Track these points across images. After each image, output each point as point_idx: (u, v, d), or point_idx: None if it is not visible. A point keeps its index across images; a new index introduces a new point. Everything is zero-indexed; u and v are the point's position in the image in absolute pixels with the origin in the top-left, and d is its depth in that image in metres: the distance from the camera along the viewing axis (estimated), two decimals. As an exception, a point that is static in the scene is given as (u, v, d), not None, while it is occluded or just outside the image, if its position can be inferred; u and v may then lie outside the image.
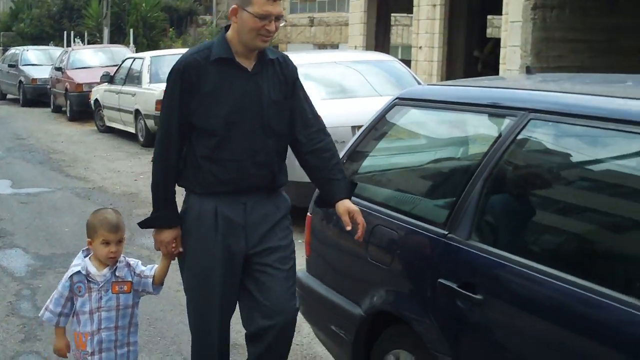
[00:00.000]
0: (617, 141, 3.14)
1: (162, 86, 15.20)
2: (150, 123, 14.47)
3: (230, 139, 3.62)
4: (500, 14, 13.69)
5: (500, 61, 13.66)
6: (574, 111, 3.21)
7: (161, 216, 3.77)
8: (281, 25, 3.65)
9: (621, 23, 11.89)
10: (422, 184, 4.14)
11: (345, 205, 3.67)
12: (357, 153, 4.39)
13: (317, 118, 3.85)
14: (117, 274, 3.71)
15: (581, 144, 3.43)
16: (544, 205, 3.48)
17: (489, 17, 21.18)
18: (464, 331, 3.32)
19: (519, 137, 3.37)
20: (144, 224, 3.86)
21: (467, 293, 3.20)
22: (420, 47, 17.61)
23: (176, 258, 3.88)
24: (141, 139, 15.25)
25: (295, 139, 3.79)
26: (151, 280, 3.82)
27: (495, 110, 3.62)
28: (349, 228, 3.63)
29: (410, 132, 4.47)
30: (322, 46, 27.18)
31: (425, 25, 17.07)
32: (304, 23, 26.34)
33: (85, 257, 3.75)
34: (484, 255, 3.24)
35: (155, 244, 3.85)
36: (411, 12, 18.21)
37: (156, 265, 3.87)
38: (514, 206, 3.49)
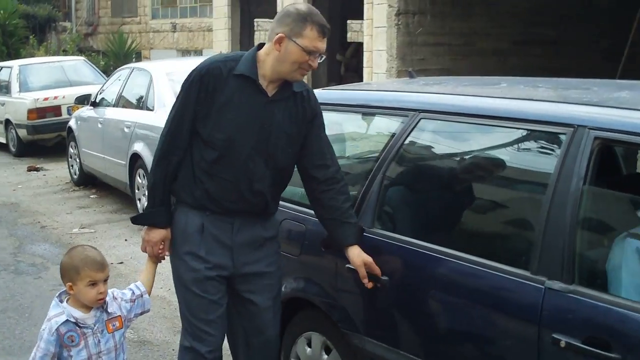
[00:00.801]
0: (495, 134, 3.64)
1: (33, 95, 14.97)
2: (22, 132, 14.34)
3: (230, 158, 3.54)
4: (359, 19, 14.14)
5: (365, 64, 14.15)
6: (458, 110, 3.66)
7: (156, 213, 3.64)
8: (320, 61, 3.56)
9: (477, 27, 12.62)
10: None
11: (361, 257, 3.56)
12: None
13: (335, 159, 3.74)
14: (109, 310, 3.42)
15: (464, 138, 3.90)
16: (435, 194, 3.95)
17: (348, 21, 21.79)
18: (370, 309, 3.72)
19: (412, 134, 3.80)
20: (136, 220, 3.82)
21: (374, 274, 3.59)
22: (286, 53, 18.05)
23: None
24: (13, 149, 15.05)
25: (311, 176, 3.70)
26: (147, 295, 3.59)
27: (390, 111, 4.04)
28: (366, 282, 3.55)
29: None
30: (185, 52, 27.15)
31: (289, 31, 17.48)
32: (167, 29, 26.28)
33: (61, 302, 3.37)
34: (386, 240, 3.66)
35: (143, 244, 3.71)
36: (273, 18, 18.56)
37: (138, 282, 3.64)
38: (409, 196, 3.93)
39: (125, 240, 8.58)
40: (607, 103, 3.29)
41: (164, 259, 3.74)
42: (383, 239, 3.66)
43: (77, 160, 11.75)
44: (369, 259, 3.56)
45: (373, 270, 3.55)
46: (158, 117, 8.91)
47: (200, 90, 3.51)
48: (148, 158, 8.79)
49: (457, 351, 3.33)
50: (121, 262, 7.65)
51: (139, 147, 9.08)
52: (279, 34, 3.46)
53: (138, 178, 9.23)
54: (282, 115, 3.57)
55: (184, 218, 3.64)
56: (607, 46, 12.81)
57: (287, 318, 4.16)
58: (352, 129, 4.66)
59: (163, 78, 9.50)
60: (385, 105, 4.10)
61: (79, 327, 3.32)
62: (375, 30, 12.73)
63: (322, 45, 3.49)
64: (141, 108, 9.58)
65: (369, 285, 3.55)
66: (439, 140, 3.99)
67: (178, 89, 9.68)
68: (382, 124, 4.25)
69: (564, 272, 2.92)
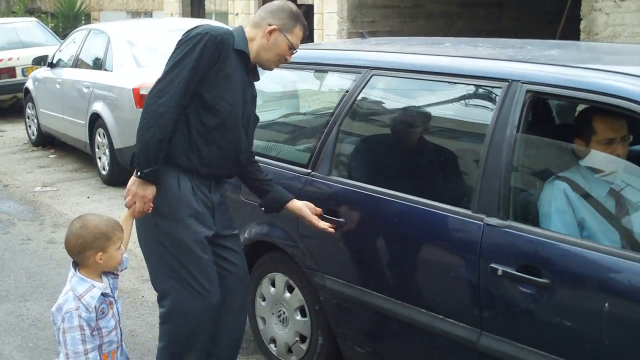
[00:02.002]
0: (440, 89, 4.01)
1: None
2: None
3: (227, 127, 3.69)
4: (312, -19, 14.34)
5: (315, 27, 14.43)
6: (407, 67, 4.02)
7: (158, 170, 3.60)
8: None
9: (426, -11, 12.98)
10: (287, 134, 4.88)
11: (305, 204, 3.95)
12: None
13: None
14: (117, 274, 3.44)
15: (413, 94, 4.28)
16: (386, 144, 4.33)
17: (299, -16, 21.93)
18: (329, 250, 4.10)
19: (364, 90, 4.16)
20: (148, 175, 3.58)
21: (332, 217, 3.97)
22: (237, 14, 18.20)
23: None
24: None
25: None
26: (125, 254, 3.44)
27: (344, 69, 4.40)
28: (318, 222, 3.90)
29: (274, 89, 5.15)
30: (135, 14, 27.04)
31: (241, -7, 17.64)
32: (116, -9, 26.17)
33: (82, 276, 3.29)
34: (342, 186, 4.03)
35: (131, 199, 3.62)
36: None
37: None
38: (362, 146, 4.29)
39: (88, 197, 8.85)
40: (538, 60, 3.68)
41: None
42: (339, 185, 4.03)
43: (35, 121, 11.91)
44: (309, 203, 3.96)
45: (316, 210, 3.94)
46: (117, 78, 9.17)
47: (213, 55, 3.58)
48: (108, 117, 9.06)
49: (408, 283, 3.71)
50: (86, 218, 7.91)
51: (98, 106, 9.30)
52: (273, 26, 3.73)
53: (98, 137, 9.47)
54: (250, 96, 3.85)
55: (175, 181, 3.68)
56: (549, 9, 13.24)
57: (252, 261, 4.51)
58: (307, 86, 5.01)
59: (121, 39, 9.72)
60: (340, 64, 4.45)
61: (106, 297, 3.30)
62: (326, -7, 13.02)
63: (299, 43, 3.84)
64: (99, 69, 9.77)
65: (325, 227, 3.91)
66: (389, 95, 4.36)
67: (136, 50, 9.94)
68: (336, 81, 4.60)
69: (500, 210, 3.31)
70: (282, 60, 3.83)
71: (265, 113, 4.72)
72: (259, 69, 3.92)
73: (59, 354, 3.30)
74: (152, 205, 3.63)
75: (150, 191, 3.60)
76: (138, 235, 3.87)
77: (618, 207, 3.39)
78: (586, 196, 3.39)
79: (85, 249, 3.25)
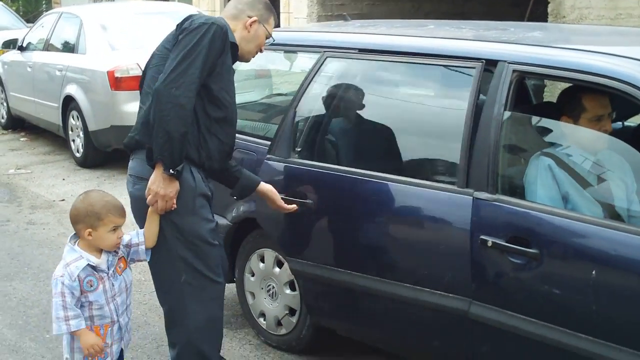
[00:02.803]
0: (431, 70, 4.11)
1: None
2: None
3: (228, 121, 3.70)
4: (279, -36, 14.36)
5: (282, 10, 14.45)
6: (393, 49, 4.12)
7: (183, 167, 3.52)
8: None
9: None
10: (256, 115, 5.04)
11: (272, 187, 4.04)
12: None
13: None
14: (118, 253, 3.50)
15: (397, 75, 4.40)
16: (347, 123, 4.47)
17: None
18: (298, 229, 4.21)
19: (320, 71, 4.29)
20: (176, 174, 3.48)
21: (299, 200, 4.07)
22: (202, -2, 18.20)
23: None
24: None
25: None
26: (143, 247, 3.55)
27: (303, 49, 4.57)
28: (285, 205, 4.03)
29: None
30: (98, -2, 26.81)
31: (205, -25, 17.62)
32: (78, -26, 25.96)
33: (73, 246, 3.42)
34: (304, 168, 4.18)
35: (153, 198, 3.52)
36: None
37: (140, 230, 3.61)
38: (320, 127, 4.35)
39: (63, 179, 8.89)
40: (523, 41, 3.83)
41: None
42: (304, 168, 4.18)
43: (5, 104, 11.87)
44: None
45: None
46: (91, 61, 9.19)
47: (220, 46, 3.54)
48: (82, 100, 9.09)
49: (393, 261, 3.86)
50: (63, 200, 7.95)
51: (72, 89, 9.30)
52: (253, 18, 3.77)
53: (71, 120, 9.48)
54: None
55: (190, 174, 3.60)
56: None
57: (241, 237, 4.64)
58: (277, 67, 5.13)
59: (94, 22, 9.72)
60: (298, 44, 4.68)
61: (96, 271, 3.37)
62: (295, -24, 13.07)
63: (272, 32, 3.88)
64: (72, 52, 9.76)
65: (290, 209, 4.03)
66: (374, 76, 4.47)
67: (108, 33, 9.93)
68: (299, 63, 4.74)
69: (489, 185, 3.46)
70: (259, 51, 3.89)
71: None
72: None
73: None
74: (174, 202, 3.52)
75: (174, 188, 3.50)
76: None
77: (601, 181, 3.55)
78: (570, 171, 3.53)
79: (77, 222, 3.39)
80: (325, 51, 4.29)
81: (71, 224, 3.44)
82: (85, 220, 3.36)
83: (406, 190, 3.77)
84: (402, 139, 4.26)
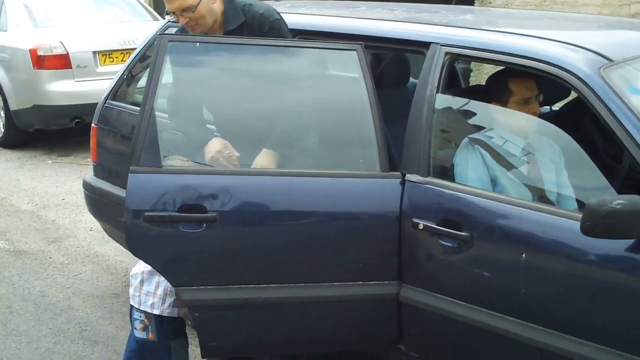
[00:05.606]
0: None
1: None
2: None
3: None
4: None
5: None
6: (330, 31, 4.08)
7: None
8: (191, 15, 3.64)
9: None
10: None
11: None
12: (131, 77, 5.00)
13: None
14: None
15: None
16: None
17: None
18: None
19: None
20: None
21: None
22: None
23: None
24: None
25: None
26: None
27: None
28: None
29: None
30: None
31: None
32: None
33: None
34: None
35: (209, 159, 3.57)
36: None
37: None
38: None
39: (-17, 159, 8.70)
40: (454, 24, 3.83)
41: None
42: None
43: None
44: None
45: None
46: (12, 38, 8.94)
47: None
48: (3, 79, 8.85)
49: (331, 251, 3.51)
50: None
51: (-8, 68, 9.07)
52: None
53: (-7, 99, 9.22)
54: None
55: None
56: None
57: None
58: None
59: (15, -2, 9.46)
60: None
61: None
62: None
63: (171, 5, 3.63)
64: (-7, 29, 9.48)
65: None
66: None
67: (31, 10, 9.65)
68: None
69: (420, 167, 3.43)
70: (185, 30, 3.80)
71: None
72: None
73: None
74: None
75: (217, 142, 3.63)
76: None
77: (530, 165, 3.57)
78: (499, 154, 3.55)
79: None
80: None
81: None
82: None
83: (320, 184, 3.50)
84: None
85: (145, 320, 3.61)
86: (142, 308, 3.59)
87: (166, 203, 3.31)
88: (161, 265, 3.40)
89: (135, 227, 3.33)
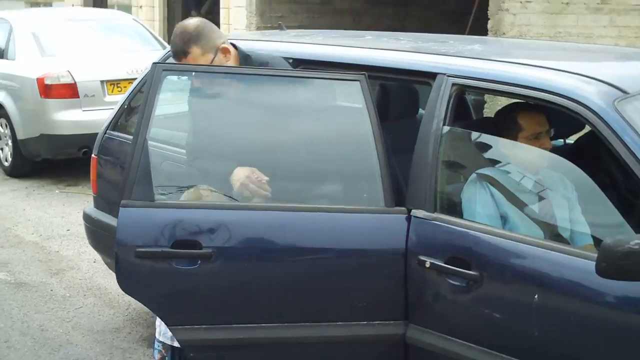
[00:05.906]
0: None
1: None
2: None
3: None
4: (216, -26, 14.25)
5: (222, 21, 14.32)
6: (332, 60, 3.95)
7: None
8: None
9: (335, -14, 13.05)
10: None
11: None
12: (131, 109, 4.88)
13: None
14: None
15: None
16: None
17: (204, -23, 21.75)
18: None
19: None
20: None
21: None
22: (141, 7, 17.96)
23: None
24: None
25: None
26: None
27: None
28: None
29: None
30: (34, 4, 26.47)
31: (144, -14, 17.46)
32: (14, -20, 25.53)
33: None
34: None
35: (239, 187, 3.39)
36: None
37: None
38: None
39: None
40: (462, 54, 3.70)
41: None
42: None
43: None
44: None
45: None
46: (20, 67, 8.91)
47: None
48: (11, 108, 8.83)
49: (333, 290, 3.38)
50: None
51: (1, 96, 9.00)
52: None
53: (0, 128, 9.18)
54: None
55: None
56: (453, 9, 13.47)
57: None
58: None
59: (24, 28, 9.44)
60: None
61: None
62: (234, -13, 12.93)
63: None
64: (1, 58, 9.45)
65: None
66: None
67: (40, 39, 9.68)
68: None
69: (427, 202, 3.29)
70: None
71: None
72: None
73: None
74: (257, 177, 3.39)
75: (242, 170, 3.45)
76: None
77: (542, 201, 3.43)
78: (509, 190, 3.41)
79: None
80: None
81: None
82: None
83: (321, 219, 3.37)
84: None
85: (163, 351, 3.71)
86: (161, 339, 3.68)
87: (159, 238, 3.19)
88: (154, 304, 3.29)
89: (127, 264, 3.22)
